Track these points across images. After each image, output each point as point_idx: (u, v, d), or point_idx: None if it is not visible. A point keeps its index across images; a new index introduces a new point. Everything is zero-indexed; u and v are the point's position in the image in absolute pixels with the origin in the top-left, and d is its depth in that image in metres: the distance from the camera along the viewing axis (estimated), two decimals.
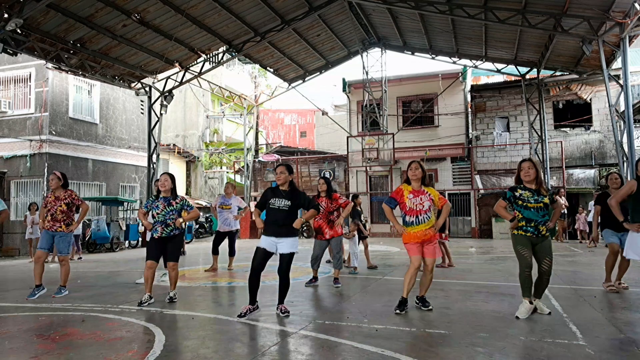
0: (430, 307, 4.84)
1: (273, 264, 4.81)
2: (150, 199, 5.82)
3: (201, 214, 22.26)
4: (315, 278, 6.76)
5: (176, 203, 5.58)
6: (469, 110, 19.47)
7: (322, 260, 6.88)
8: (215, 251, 8.64)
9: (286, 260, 4.75)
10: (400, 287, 4.95)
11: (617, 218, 5.43)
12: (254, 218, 5.06)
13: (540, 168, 4.95)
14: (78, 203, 6.38)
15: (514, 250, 4.72)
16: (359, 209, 9.46)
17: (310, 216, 4.92)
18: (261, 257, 4.73)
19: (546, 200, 4.60)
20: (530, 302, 4.55)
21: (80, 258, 12.03)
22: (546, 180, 15.69)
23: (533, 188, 4.66)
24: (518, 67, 16.51)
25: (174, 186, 5.66)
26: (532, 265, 4.56)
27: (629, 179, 10.01)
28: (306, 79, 19.47)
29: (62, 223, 6.20)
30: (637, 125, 16.20)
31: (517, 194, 4.68)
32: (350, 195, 19.49)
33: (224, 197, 8.87)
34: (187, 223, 14.06)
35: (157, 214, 5.50)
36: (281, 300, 4.82)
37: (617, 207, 5.16)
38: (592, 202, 12.78)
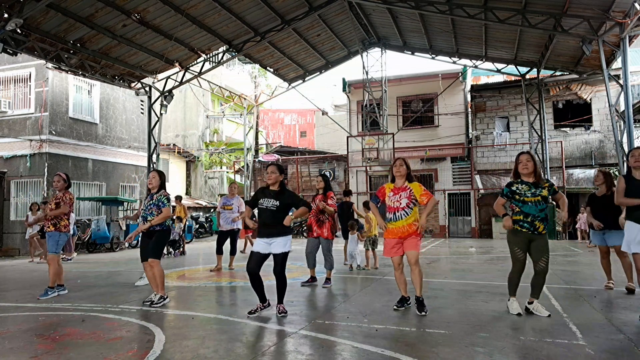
0: (423, 313, 4.60)
1: (270, 263, 4.80)
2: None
3: (201, 213, 22.23)
4: (313, 278, 6.74)
5: (156, 197, 5.44)
6: (469, 110, 19.48)
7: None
8: (219, 251, 8.70)
9: (280, 260, 4.74)
10: None
11: (602, 216, 5.67)
12: (244, 218, 5.12)
13: (538, 162, 4.92)
14: (60, 203, 6.14)
15: (509, 249, 4.71)
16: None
17: (300, 214, 4.84)
18: (255, 260, 4.73)
19: (544, 192, 4.50)
20: (514, 297, 4.72)
21: (70, 259, 11.44)
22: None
23: (530, 181, 4.59)
24: (518, 67, 16.52)
25: (162, 182, 5.57)
26: (525, 268, 4.63)
27: None
28: (306, 79, 19.49)
29: (49, 222, 6.21)
30: (637, 125, 16.20)
31: (513, 188, 4.64)
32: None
33: (227, 197, 8.98)
34: (187, 223, 13.99)
35: (142, 209, 5.50)
36: (279, 300, 4.82)
37: (626, 199, 4.68)
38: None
